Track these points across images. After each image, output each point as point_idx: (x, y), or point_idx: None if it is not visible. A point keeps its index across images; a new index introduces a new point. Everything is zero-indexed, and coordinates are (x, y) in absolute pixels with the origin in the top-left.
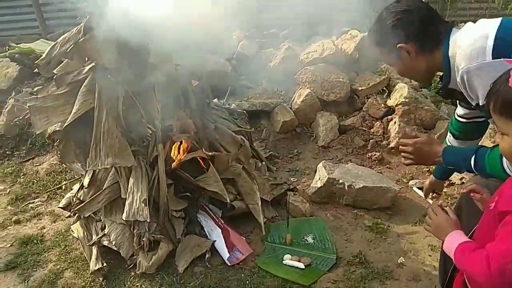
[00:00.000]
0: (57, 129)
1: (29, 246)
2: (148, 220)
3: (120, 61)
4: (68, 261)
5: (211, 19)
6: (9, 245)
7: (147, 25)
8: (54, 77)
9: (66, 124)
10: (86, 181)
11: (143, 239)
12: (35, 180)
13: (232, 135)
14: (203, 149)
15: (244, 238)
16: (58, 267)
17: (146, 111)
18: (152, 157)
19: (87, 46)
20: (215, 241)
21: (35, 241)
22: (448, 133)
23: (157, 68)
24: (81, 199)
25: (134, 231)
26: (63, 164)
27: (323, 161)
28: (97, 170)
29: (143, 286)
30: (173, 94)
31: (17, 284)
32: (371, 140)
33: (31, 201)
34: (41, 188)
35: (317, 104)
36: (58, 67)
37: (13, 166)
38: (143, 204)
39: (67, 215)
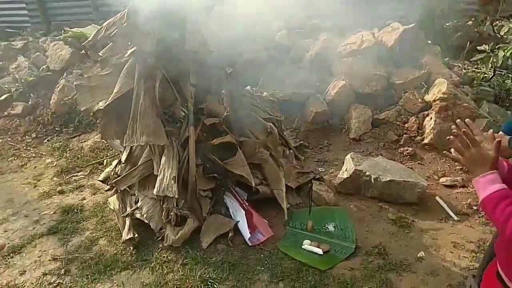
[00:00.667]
0: (101, 107)
1: (70, 214)
2: (176, 196)
3: (159, 46)
4: (103, 230)
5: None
6: (53, 212)
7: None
8: (99, 59)
9: (107, 103)
10: (123, 157)
11: (171, 213)
12: (79, 155)
13: (261, 122)
14: (232, 133)
15: (266, 221)
16: (94, 235)
17: (181, 94)
18: (184, 138)
19: (129, 31)
20: (239, 221)
21: (76, 210)
22: None
23: (192, 54)
24: (118, 173)
25: (163, 206)
26: (104, 141)
27: (351, 152)
28: (134, 147)
29: (169, 257)
30: (207, 79)
31: (57, 247)
32: (404, 135)
33: (75, 174)
34: (84, 163)
35: (352, 96)
36: (103, 49)
37: (61, 142)
38: (172, 181)
39: (106, 189)
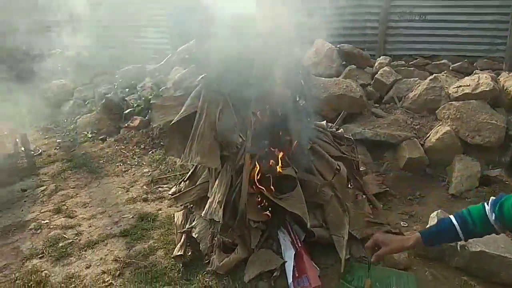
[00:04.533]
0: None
1: (143, 221)
2: (220, 221)
3: (226, 72)
4: (165, 242)
5: None
6: (131, 216)
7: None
8: (173, 82)
9: (172, 122)
10: (187, 175)
11: (215, 238)
12: (171, 169)
13: (328, 159)
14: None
15: (318, 269)
16: (155, 244)
17: (241, 121)
18: (238, 165)
19: (197, 57)
20: (286, 261)
21: (149, 218)
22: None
23: (259, 81)
24: (181, 190)
25: (210, 229)
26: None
27: (439, 210)
28: (198, 167)
29: (210, 283)
30: (271, 109)
31: (122, 250)
32: None
33: (161, 185)
34: (172, 176)
35: (457, 146)
36: (180, 74)
37: (160, 155)
38: (218, 206)
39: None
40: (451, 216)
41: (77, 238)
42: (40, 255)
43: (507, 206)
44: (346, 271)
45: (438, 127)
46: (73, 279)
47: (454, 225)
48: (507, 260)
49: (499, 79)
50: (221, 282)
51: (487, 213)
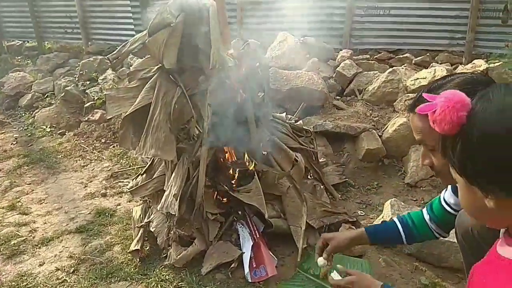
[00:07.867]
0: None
1: (101, 217)
2: (176, 214)
3: (181, 63)
4: (122, 237)
5: None
6: (88, 212)
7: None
8: (128, 72)
9: (126, 114)
10: (144, 169)
11: (171, 232)
12: (132, 164)
13: (286, 151)
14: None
15: (276, 259)
16: (112, 240)
17: (198, 113)
18: (195, 157)
19: (151, 47)
20: (244, 253)
21: (107, 214)
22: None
23: (215, 72)
24: (138, 183)
25: (166, 223)
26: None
27: (393, 199)
28: (155, 160)
29: (167, 277)
30: (230, 101)
31: (78, 246)
32: None
33: (121, 180)
34: (133, 171)
35: (413, 137)
36: (135, 64)
37: (122, 149)
38: (174, 199)
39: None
40: (394, 218)
41: (31, 235)
42: None
43: (435, 203)
44: (303, 260)
45: (395, 119)
46: (25, 277)
47: (397, 226)
48: (455, 246)
49: (454, 72)
50: (178, 276)
51: (424, 216)
